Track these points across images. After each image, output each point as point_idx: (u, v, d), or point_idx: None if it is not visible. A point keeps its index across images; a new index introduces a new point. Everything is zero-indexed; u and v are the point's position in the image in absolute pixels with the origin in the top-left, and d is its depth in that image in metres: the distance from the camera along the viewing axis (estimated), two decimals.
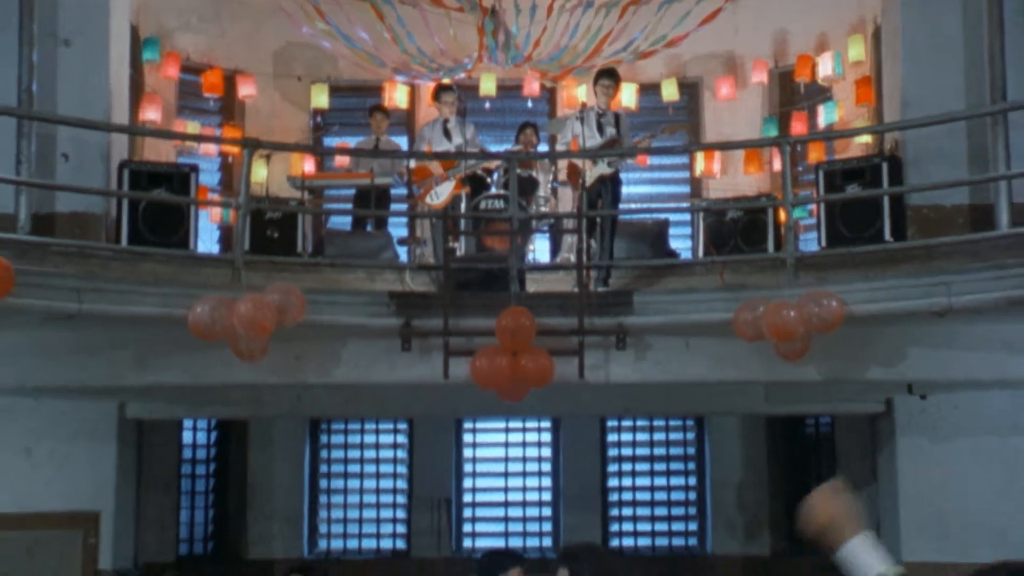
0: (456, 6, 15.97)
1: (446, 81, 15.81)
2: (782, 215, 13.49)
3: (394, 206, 15.67)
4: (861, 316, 11.78)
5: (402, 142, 16.56)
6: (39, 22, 13.52)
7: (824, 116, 15.74)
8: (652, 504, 17.41)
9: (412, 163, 15.15)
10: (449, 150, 14.64)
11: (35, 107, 13.31)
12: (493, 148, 15.48)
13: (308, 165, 15.85)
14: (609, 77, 14.47)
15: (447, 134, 14.84)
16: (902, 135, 13.78)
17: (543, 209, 14.67)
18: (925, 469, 13.43)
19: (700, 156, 16.39)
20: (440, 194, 14.39)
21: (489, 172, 14.66)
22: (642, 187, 16.74)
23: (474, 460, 17.52)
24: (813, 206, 14.39)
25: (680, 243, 15.43)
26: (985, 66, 13.44)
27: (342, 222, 15.71)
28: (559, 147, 15.20)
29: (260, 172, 14.33)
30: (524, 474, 17.45)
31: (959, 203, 13.49)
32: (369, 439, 17.40)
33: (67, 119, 13.41)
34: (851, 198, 13.36)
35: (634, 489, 17.43)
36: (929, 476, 13.35)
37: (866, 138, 14.84)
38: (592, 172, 14.09)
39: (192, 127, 15.74)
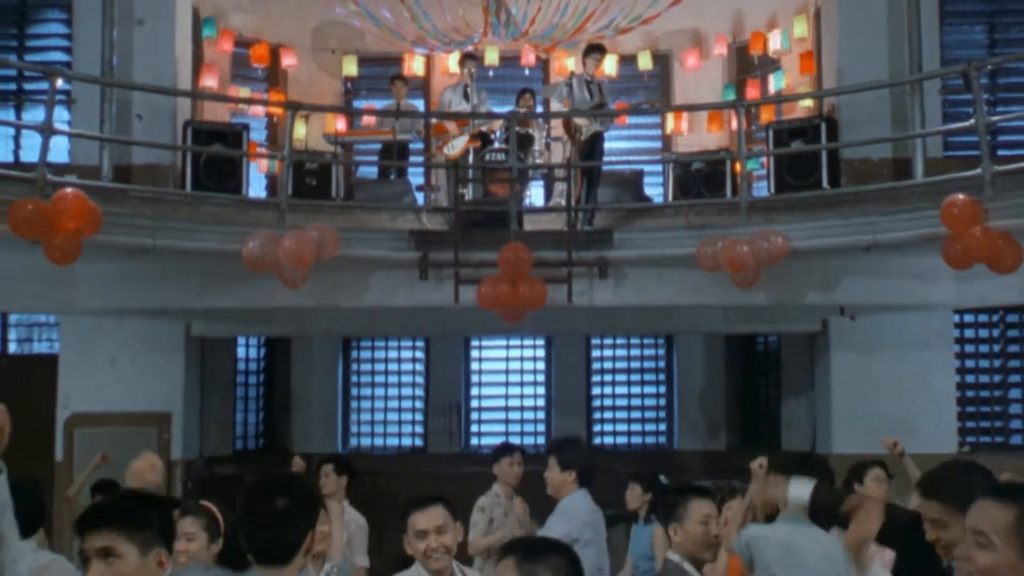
0: None
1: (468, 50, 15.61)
2: (738, 166, 13.51)
3: (412, 158, 15.63)
4: (802, 251, 12.03)
5: (418, 104, 16.53)
6: (118, 6, 13.71)
7: (773, 83, 15.81)
8: (628, 409, 17.57)
9: (432, 121, 15.28)
10: (467, 110, 14.62)
11: (115, 76, 13.50)
12: (496, 109, 15.30)
13: (340, 124, 15.75)
14: (598, 51, 14.55)
15: (467, 96, 14.82)
16: (837, 99, 13.94)
17: (538, 161, 14.57)
18: (853, 378, 13.83)
19: (670, 116, 16.41)
20: (456, 146, 14.46)
21: (493, 130, 14.64)
22: (621, 143, 16.65)
23: (480, 372, 17.66)
24: (764, 159, 14.39)
25: (653, 189, 15.35)
26: (905, 41, 13.63)
27: (369, 172, 15.62)
28: (553, 108, 15.02)
29: (300, 130, 14.42)
30: (521, 384, 17.61)
31: (884, 156, 13.72)
32: (392, 354, 17.53)
33: (141, 86, 13.62)
34: (795, 152, 13.48)
35: (614, 396, 17.61)
36: (856, 384, 13.77)
37: (808, 102, 14.94)
38: (587, 129, 14.21)
39: (243, 92, 15.72)
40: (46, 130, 11.21)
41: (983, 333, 14.93)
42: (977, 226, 10.71)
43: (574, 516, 7.66)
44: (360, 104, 16.83)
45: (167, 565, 3.91)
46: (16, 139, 14.45)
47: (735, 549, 7.09)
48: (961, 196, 10.82)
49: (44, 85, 13.70)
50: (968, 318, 14.72)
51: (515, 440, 16.23)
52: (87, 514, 3.99)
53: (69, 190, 10.73)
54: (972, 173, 11.19)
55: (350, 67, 16.37)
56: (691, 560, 5.75)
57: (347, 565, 6.75)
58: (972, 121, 11.48)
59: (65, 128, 12.45)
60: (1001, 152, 14.20)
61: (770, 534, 6.63)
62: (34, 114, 14.44)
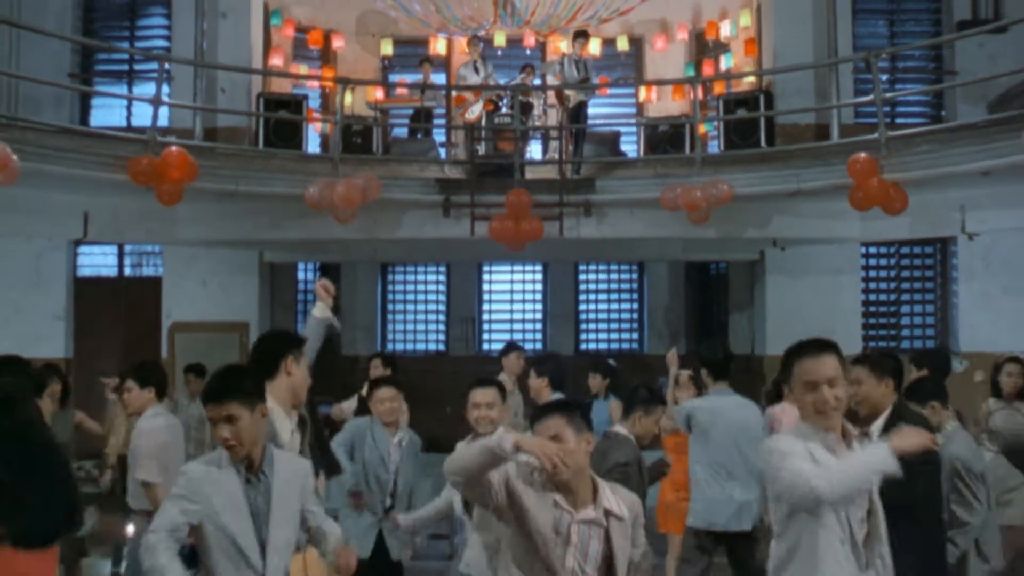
0: None
1: (477, 35, 15.47)
2: (697, 129, 13.52)
3: (436, 121, 15.42)
4: (743, 196, 12.26)
5: (440, 78, 16.20)
6: (207, 2, 13.92)
7: (724, 63, 15.76)
8: (608, 321, 17.54)
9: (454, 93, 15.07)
10: (478, 81, 14.52)
11: (204, 58, 13.68)
12: (502, 81, 15.16)
13: (379, 94, 15.58)
14: (584, 36, 14.58)
15: (476, 71, 14.76)
16: (773, 77, 14.12)
17: (536, 123, 14.52)
18: (783, 296, 13.99)
19: (643, 88, 16.27)
20: (474, 111, 14.30)
21: (501, 98, 14.37)
22: (603, 108, 16.55)
23: (490, 291, 17.63)
24: (715, 123, 14.34)
25: (628, 147, 15.18)
26: (825, 32, 13.81)
27: (401, 132, 15.41)
28: (548, 82, 15.05)
29: (348, 99, 14.26)
30: (523, 301, 17.60)
31: (808, 122, 13.89)
32: (420, 277, 17.52)
33: (224, 65, 13.81)
34: (740, 118, 13.54)
35: (596, 311, 17.59)
36: (786, 301, 13.91)
37: (751, 78, 14.92)
38: (575, 98, 14.25)
39: (302, 69, 15.68)
40: (156, 102, 11.49)
41: (883, 261, 14.90)
42: (875, 178, 11.01)
43: None
44: (394, 78, 16.57)
45: (266, 413, 4.10)
46: (128, 108, 14.54)
47: (677, 420, 7.48)
48: (863, 154, 11.11)
49: (149, 65, 14.13)
50: (872, 250, 14.67)
51: None
52: (207, 392, 4.08)
53: (174, 148, 11.01)
54: (871, 137, 11.45)
55: (387, 48, 16.22)
56: (635, 437, 5.97)
57: (416, 438, 7.06)
58: (871, 96, 11.68)
59: (167, 100, 12.66)
60: (900, 120, 14.39)
61: (703, 403, 7.22)
62: (140, 88, 14.64)
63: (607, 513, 3.85)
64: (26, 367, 5.46)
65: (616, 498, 3.91)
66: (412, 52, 16.06)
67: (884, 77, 14.56)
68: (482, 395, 5.59)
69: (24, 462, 3.20)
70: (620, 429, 5.96)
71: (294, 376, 4.75)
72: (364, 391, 9.06)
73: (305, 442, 4.91)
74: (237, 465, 3.95)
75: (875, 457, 3.72)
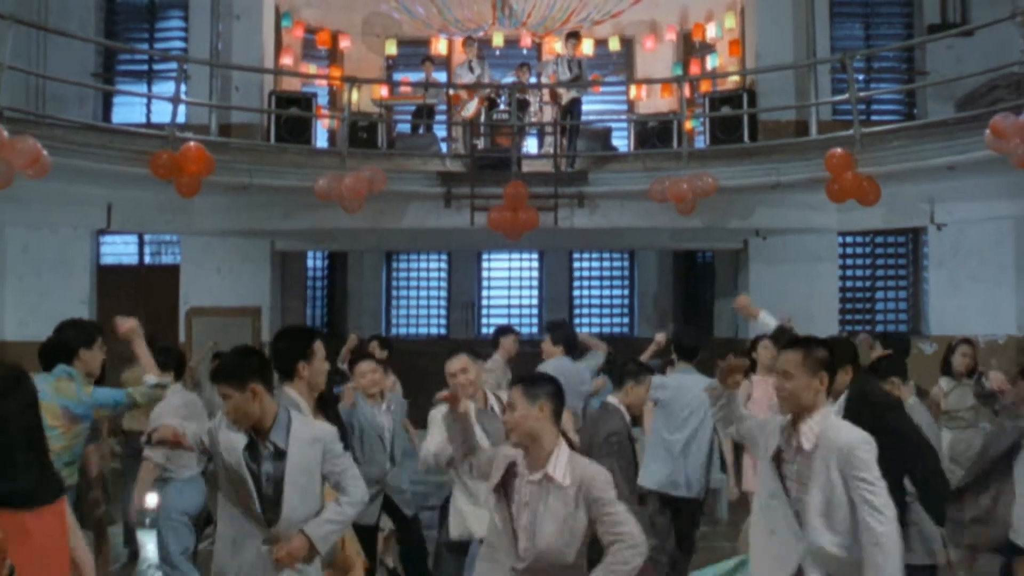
0: None
1: (472, 36, 15.39)
2: (684, 125, 13.61)
3: (437, 118, 15.30)
4: (727, 188, 12.44)
5: (441, 76, 16.09)
6: (222, 5, 13.95)
7: (710, 63, 15.80)
8: (600, 306, 17.72)
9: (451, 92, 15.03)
10: (472, 80, 14.50)
11: (219, 58, 13.76)
12: (501, 79, 15.07)
13: (383, 91, 15.45)
14: (575, 37, 14.60)
15: (471, 70, 14.75)
16: (756, 76, 14.16)
17: (532, 119, 14.45)
18: (765, 282, 13.88)
19: (633, 86, 16.16)
20: (469, 108, 14.28)
21: (499, 95, 14.28)
22: (595, 105, 16.33)
23: (489, 278, 17.76)
24: (701, 120, 14.30)
25: (619, 141, 15.12)
26: (804, 34, 13.91)
27: (405, 127, 15.31)
28: (543, 80, 14.91)
29: (354, 96, 14.04)
30: (520, 287, 17.74)
31: (788, 119, 13.98)
32: (423, 264, 17.63)
33: (238, 65, 13.90)
34: (724, 115, 13.59)
35: (589, 297, 17.75)
36: (767, 287, 13.70)
37: (735, 77, 14.90)
38: (568, 96, 14.25)
39: (311, 68, 15.69)
40: (175, 100, 11.61)
41: (858, 250, 14.90)
42: (850, 171, 11.21)
43: (549, 369, 8.22)
44: (398, 76, 16.53)
45: (261, 393, 4.30)
46: (148, 105, 14.61)
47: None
48: (839, 150, 11.31)
49: (167, 65, 14.15)
50: (848, 239, 14.66)
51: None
52: (213, 374, 4.46)
53: (192, 143, 11.15)
54: (847, 133, 11.62)
55: (391, 48, 16.25)
56: (626, 407, 6.23)
57: (401, 399, 7.40)
58: (847, 95, 11.82)
59: (186, 98, 12.55)
60: (875, 117, 14.47)
61: (668, 381, 7.34)
62: (159, 87, 14.68)
63: (547, 477, 4.04)
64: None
65: (569, 467, 4.05)
66: (415, 52, 16.08)
67: (860, 77, 14.64)
68: (455, 364, 5.70)
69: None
70: (612, 400, 6.18)
71: (308, 375, 5.02)
72: (344, 366, 9.21)
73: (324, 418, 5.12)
74: (244, 432, 4.31)
75: None
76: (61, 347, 5.64)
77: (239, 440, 4.29)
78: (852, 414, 4.62)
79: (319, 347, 5.10)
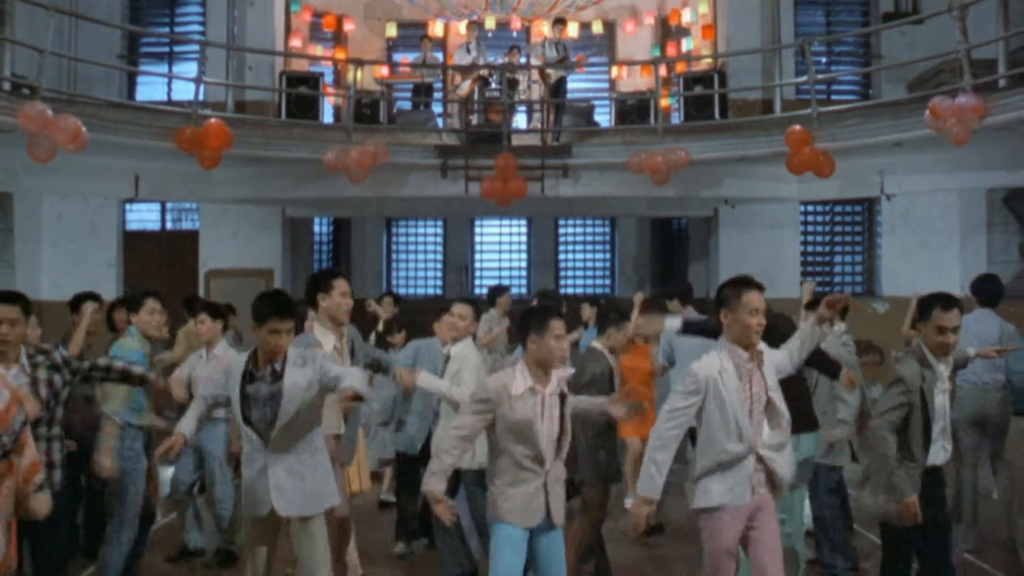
0: None
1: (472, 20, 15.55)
2: (661, 103, 13.85)
3: (435, 95, 15.39)
4: (698, 160, 12.88)
5: (438, 55, 16.10)
6: None
7: (685, 45, 15.99)
8: (584, 269, 17.96)
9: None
10: (469, 61, 14.69)
11: (234, 41, 14.07)
12: (493, 60, 15.18)
13: (384, 71, 15.55)
14: (561, 22, 14.95)
15: (469, 51, 14.90)
16: (727, 59, 14.52)
17: (522, 97, 14.67)
18: (734, 247, 14.40)
19: (614, 67, 16.30)
20: (463, 87, 14.60)
21: (491, 75, 14.59)
22: (579, 83, 16.50)
23: (482, 242, 17.98)
24: (677, 98, 14.39)
25: (601, 117, 15.26)
26: (770, 19, 14.28)
27: (404, 104, 15.24)
28: (532, 62, 15.03)
29: (357, 75, 14.17)
30: (510, 251, 18.02)
31: (756, 98, 14.33)
32: (420, 230, 17.88)
33: (252, 48, 14.24)
34: (698, 94, 13.88)
35: (574, 260, 18.01)
36: (736, 251, 14.26)
37: (708, 59, 15.09)
38: (555, 75, 14.57)
39: (318, 50, 15.84)
40: (198, 81, 12.10)
41: (819, 218, 15.21)
42: (807, 147, 11.81)
43: None
44: (398, 56, 16.47)
45: (255, 330, 4.85)
46: (168, 84, 14.87)
47: (660, 348, 8.25)
48: (798, 127, 11.88)
49: (185, 47, 14.59)
50: (809, 208, 15.00)
51: None
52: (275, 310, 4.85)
53: (213, 120, 11.63)
54: (806, 112, 12.15)
55: (391, 30, 16.43)
56: (609, 350, 6.71)
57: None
58: (805, 78, 12.39)
59: (206, 79, 12.71)
60: (836, 96, 14.92)
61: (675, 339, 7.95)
62: (179, 67, 15.07)
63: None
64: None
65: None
66: (413, 33, 16.27)
67: (822, 60, 15.10)
68: (459, 307, 6.59)
69: None
70: (597, 345, 6.71)
71: (326, 305, 5.76)
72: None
73: (347, 357, 5.85)
74: (249, 361, 4.88)
75: None
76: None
77: (239, 369, 4.87)
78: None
79: (339, 283, 5.82)
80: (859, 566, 6.80)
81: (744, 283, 4.80)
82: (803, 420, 5.80)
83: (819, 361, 5.89)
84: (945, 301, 5.05)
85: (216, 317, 7.10)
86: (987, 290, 7.24)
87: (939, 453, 5.08)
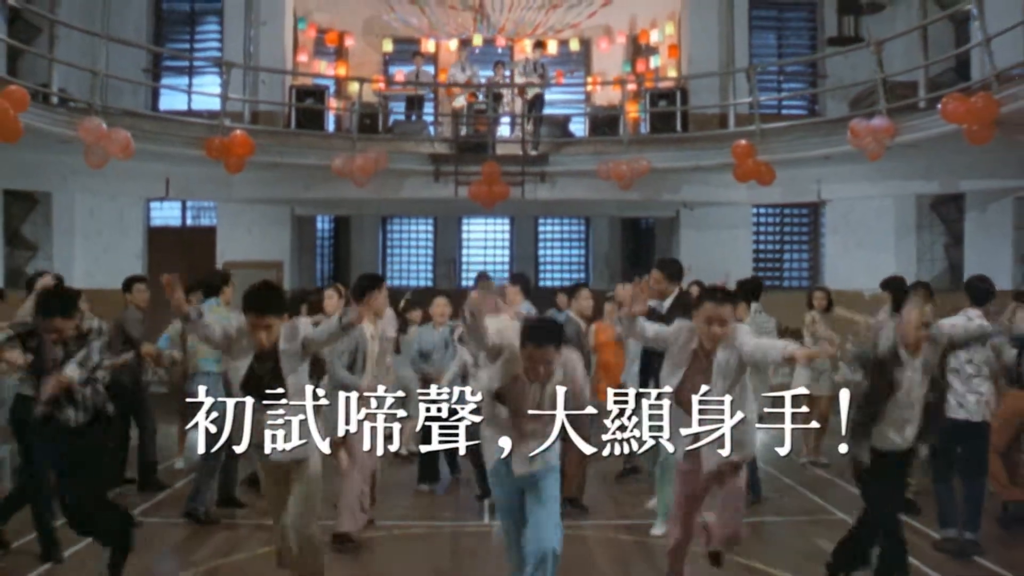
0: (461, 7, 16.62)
1: (463, 39, 16.20)
2: (630, 116, 14.54)
3: (427, 107, 15.82)
4: (659, 168, 13.64)
5: (430, 69, 16.37)
6: (253, 13, 15.00)
7: (652, 63, 16.63)
8: (561, 263, 18.58)
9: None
10: (463, 79, 15.20)
11: (251, 60, 14.78)
12: (481, 73, 15.54)
13: (381, 84, 15.87)
14: (540, 46, 15.66)
15: (463, 70, 15.43)
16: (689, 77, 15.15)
17: (505, 110, 15.13)
18: (694, 246, 15.04)
19: (589, 80, 16.87)
20: (459, 100, 15.17)
21: (479, 90, 14.88)
22: (557, 95, 16.75)
23: (468, 239, 18.50)
24: (644, 111, 15.02)
25: (577, 127, 15.65)
26: (725, 44, 15.25)
27: (399, 115, 15.56)
28: (517, 80, 15.44)
29: (356, 88, 14.32)
30: (495, 247, 18.53)
31: (714, 113, 15.10)
32: (413, 228, 18.43)
33: (265, 68, 14.98)
34: (662, 110, 14.69)
35: (551, 256, 18.57)
36: (696, 249, 14.79)
37: (672, 77, 15.79)
38: (532, 91, 15.16)
39: (322, 64, 16.41)
40: (223, 97, 12.99)
41: (769, 219, 16.06)
42: (751, 158, 12.82)
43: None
44: (393, 70, 16.98)
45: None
46: (189, 96, 15.59)
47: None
48: (743, 141, 12.88)
49: (203, 62, 15.28)
50: (761, 210, 15.84)
51: None
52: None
53: (238, 131, 12.53)
54: (751, 128, 13.15)
55: (387, 46, 16.98)
56: (577, 313, 7.92)
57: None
58: (751, 98, 13.40)
59: (228, 94, 13.25)
60: (786, 111, 15.86)
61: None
62: (199, 80, 15.85)
63: None
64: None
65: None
66: (407, 49, 16.85)
67: (773, 79, 16.00)
68: (439, 302, 8.28)
69: None
70: (570, 313, 8.08)
71: (371, 305, 6.63)
72: (401, 306, 10.67)
73: (380, 340, 6.95)
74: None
75: None
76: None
77: (249, 351, 5.08)
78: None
79: (384, 286, 6.89)
80: None
81: (707, 294, 5.12)
82: None
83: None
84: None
85: (340, 296, 8.15)
86: (978, 289, 7.14)
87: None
